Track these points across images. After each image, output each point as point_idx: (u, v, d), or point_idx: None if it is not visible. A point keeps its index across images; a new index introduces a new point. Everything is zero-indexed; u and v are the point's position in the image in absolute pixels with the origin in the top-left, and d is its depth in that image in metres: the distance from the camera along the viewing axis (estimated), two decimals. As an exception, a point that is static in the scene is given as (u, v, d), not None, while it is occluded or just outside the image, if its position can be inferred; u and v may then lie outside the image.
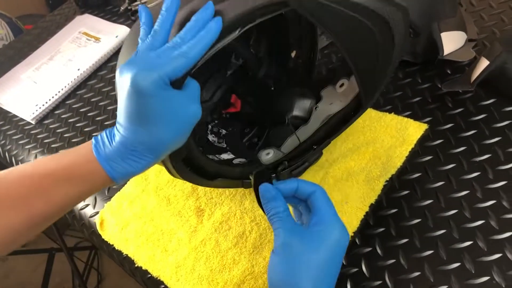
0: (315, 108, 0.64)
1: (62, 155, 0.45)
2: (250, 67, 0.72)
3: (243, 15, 0.44)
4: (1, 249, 0.44)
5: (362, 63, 0.54)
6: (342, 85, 0.65)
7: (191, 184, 0.74)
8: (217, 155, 0.66)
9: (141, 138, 0.43)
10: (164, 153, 0.45)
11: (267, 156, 0.64)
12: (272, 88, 0.73)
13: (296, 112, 0.68)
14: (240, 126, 0.73)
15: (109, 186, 0.46)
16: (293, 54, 0.72)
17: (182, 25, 0.44)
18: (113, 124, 0.89)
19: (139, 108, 0.41)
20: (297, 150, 0.64)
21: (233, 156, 0.66)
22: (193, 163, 0.55)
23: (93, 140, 0.45)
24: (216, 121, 0.72)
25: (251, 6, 0.44)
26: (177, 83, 0.43)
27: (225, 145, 0.70)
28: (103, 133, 0.45)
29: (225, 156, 0.66)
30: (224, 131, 0.71)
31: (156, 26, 0.44)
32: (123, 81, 0.41)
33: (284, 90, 0.71)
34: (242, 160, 0.65)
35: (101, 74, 1.03)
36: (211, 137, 0.70)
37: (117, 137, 0.43)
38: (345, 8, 0.47)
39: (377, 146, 0.69)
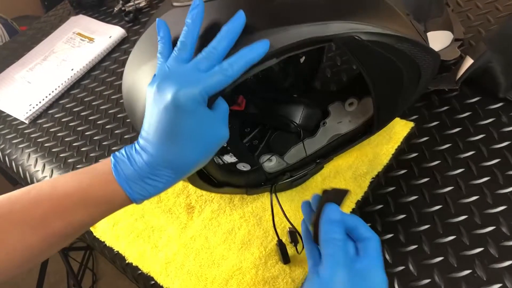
0: (323, 123, 0.66)
1: (81, 175, 0.44)
2: (277, 79, 0.72)
3: (288, 46, 0.44)
4: (16, 268, 0.43)
5: (384, 97, 0.56)
6: (351, 104, 0.67)
7: (181, 181, 0.75)
8: (220, 156, 0.66)
9: (170, 157, 0.42)
10: (186, 174, 0.44)
11: (270, 163, 0.65)
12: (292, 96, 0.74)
13: (301, 121, 0.69)
14: (240, 125, 0.73)
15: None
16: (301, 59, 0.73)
17: (206, 37, 0.44)
18: (106, 123, 0.91)
19: (174, 125, 0.41)
20: (301, 162, 0.65)
21: (236, 160, 0.67)
22: (203, 172, 0.56)
23: (112, 159, 0.44)
24: None
25: (297, 39, 0.44)
26: (209, 102, 0.42)
27: (225, 144, 0.70)
28: (123, 151, 0.44)
29: (228, 158, 0.66)
30: None
31: (182, 38, 0.43)
32: (161, 97, 0.40)
33: (292, 98, 0.72)
34: (246, 165, 0.65)
35: (95, 74, 1.04)
36: None
37: (143, 156, 0.43)
38: (384, 51, 0.49)
39: (364, 144, 0.70)
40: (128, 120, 0.90)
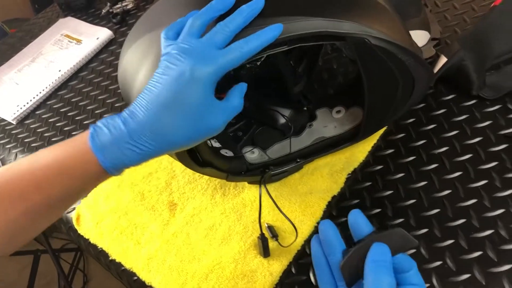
0: (310, 125, 0.68)
1: (60, 147, 0.44)
2: (287, 79, 0.74)
3: (301, 35, 0.46)
4: (3, 245, 0.43)
5: (376, 105, 0.58)
6: (338, 111, 0.69)
7: (165, 180, 0.76)
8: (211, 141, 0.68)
9: (159, 126, 0.41)
10: (165, 151, 0.43)
11: (252, 155, 0.67)
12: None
13: (289, 121, 0.70)
14: None
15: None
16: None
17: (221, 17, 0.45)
18: (93, 123, 0.92)
19: (180, 96, 0.41)
20: (283, 158, 0.67)
21: (220, 145, 0.68)
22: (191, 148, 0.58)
23: (90, 128, 0.43)
24: None
25: (311, 30, 0.46)
26: (222, 89, 0.43)
27: None
28: (103, 120, 0.43)
29: (213, 142, 0.68)
30: None
31: (199, 14, 0.44)
32: (177, 67, 0.41)
33: (284, 97, 0.74)
34: (229, 152, 0.67)
35: (82, 75, 1.05)
36: None
37: (129, 121, 0.42)
38: (387, 58, 0.51)
39: (342, 140, 0.71)
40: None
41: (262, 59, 0.76)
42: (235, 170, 0.64)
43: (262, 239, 0.64)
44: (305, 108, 0.70)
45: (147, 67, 0.53)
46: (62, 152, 0.43)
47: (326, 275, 0.40)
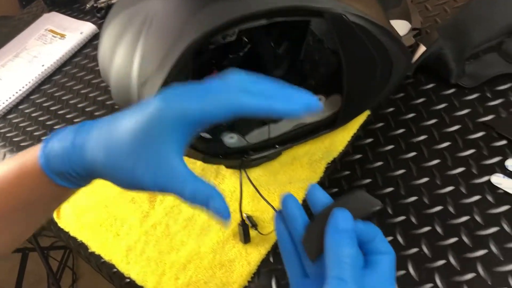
0: None
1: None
2: (267, 62, 0.73)
3: (278, 9, 0.46)
4: None
5: (355, 88, 0.58)
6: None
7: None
8: None
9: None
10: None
11: (231, 140, 0.67)
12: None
13: None
14: None
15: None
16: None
17: None
18: (75, 117, 0.92)
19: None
20: (261, 144, 0.67)
21: None
22: None
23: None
24: None
25: (290, 4, 0.46)
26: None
27: None
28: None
29: None
30: None
31: None
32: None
33: None
34: (206, 134, 0.66)
35: (66, 70, 1.04)
36: None
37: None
38: (365, 37, 0.50)
39: (322, 130, 0.71)
40: (96, 113, 0.90)
41: (246, 49, 0.76)
42: (212, 152, 0.63)
43: (243, 225, 0.63)
44: None
45: (124, 45, 0.53)
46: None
47: (290, 252, 0.39)
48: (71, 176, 0.39)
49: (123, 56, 0.61)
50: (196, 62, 0.68)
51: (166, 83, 0.56)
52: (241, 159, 0.64)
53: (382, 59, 0.55)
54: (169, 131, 0.35)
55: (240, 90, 0.35)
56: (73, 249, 0.74)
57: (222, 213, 0.34)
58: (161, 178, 0.34)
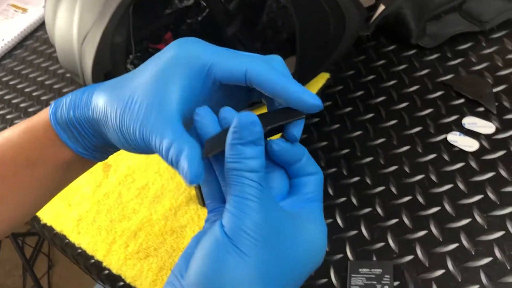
0: None
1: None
2: (218, 19, 0.70)
3: None
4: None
5: (309, 45, 0.56)
6: None
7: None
8: None
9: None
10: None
11: None
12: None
13: None
14: None
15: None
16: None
17: None
18: (34, 91, 0.89)
19: None
20: None
21: None
22: None
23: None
24: (138, 54, 0.70)
25: None
26: None
27: None
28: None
29: None
30: None
31: None
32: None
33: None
34: None
35: (27, 44, 1.01)
36: (130, 67, 0.69)
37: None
38: None
39: (280, 95, 0.69)
40: (64, 90, 0.88)
41: (204, 14, 0.74)
42: None
43: (200, 187, 0.61)
44: None
45: (64, 4, 0.51)
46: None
47: (212, 180, 0.34)
48: (75, 131, 0.36)
49: (64, 15, 0.58)
50: (142, 19, 0.66)
51: (104, 37, 0.53)
52: None
53: (334, 14, 0.53)
54: (178, 72, 0.32)
55: (262, 60, 0.32)
56: (28, 222, 0.72)
57: (187, 177, 0.29)
58: (148, 123, 0.31)
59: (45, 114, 0.38)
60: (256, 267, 0.28)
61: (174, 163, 0.30)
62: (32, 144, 0.38)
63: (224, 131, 0.31)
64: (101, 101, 0.34)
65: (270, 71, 0.31)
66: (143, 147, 0.32)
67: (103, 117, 0.34)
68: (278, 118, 0.32)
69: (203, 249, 0.29)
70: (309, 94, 0.31)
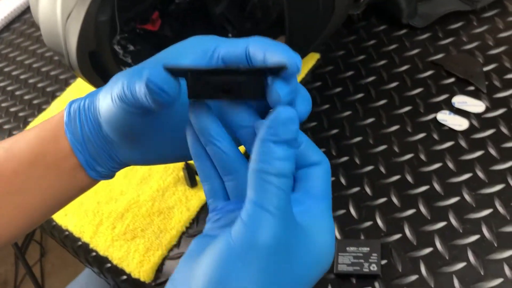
0: None
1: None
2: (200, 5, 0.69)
3: None
4: None
5: (298, 22, 0.55)
6: None
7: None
8: (122, 67, 0.64)
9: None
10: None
11: None
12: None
13: None
14: (150, 48, 0.70)
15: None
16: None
17: None
18: (21, 74, 0.87)
19: None
20: None
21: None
22: (99, 63, 0.54)
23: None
24: (126, 34, 0.68)
25: None
26: None
27: (130, 61, 0.68)
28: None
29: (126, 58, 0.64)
30: (131, 47, 0.69)
31: None
32: None
33: (210, 28, 0.70)
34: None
35: (14, 27, 1.00)
36: (116, 48, 0.68)
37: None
38: None
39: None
40: (43, 69, 0.86)
41: None
42: None
43: (187, 168, 0.60)
44: (229, 35, 0.66)
45: None
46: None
47: (206, 164, 0.31)
48: (84, 137, 0.34)
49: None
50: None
51: (88, 15, 0.52)
52: None
53: None
54: (183, 55, 0.31)
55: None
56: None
57: (145, 79, 0.27)
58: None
59: (62, 116, 0.35)
60: (261, 283, 0.26)
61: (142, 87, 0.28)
62: (42, 142, 0.35)
63: (215, 71, 0.27)
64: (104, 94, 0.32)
65: (270, 41, 0.29)
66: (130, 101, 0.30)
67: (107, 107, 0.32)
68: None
69: (210, 258, 0.26)
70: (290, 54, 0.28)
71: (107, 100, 0.32)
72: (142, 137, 0.34)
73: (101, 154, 0.35)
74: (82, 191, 0.40)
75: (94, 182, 0.39)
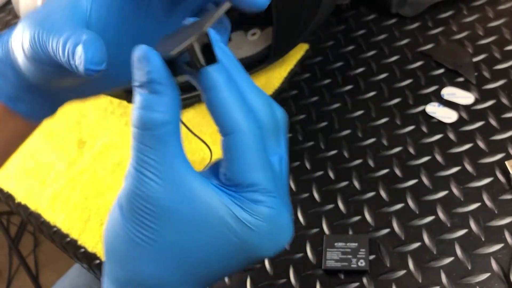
0: None
1: None
2: None
3: None
4: None
5: (285, 14, 0.54)
6: (254, 34, 0.65)
7: (75, 118, 0.72)
8: None
9: None
10: None
11: None
12: None
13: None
14: None
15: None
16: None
17: None
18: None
19: None
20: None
21: None
22: None
23: None
24: None
25: None
26: None
27: None
28: None
29: None
30: None
31: None
32: None
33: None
34: None
35: (9, 8, 0.98)
36: None
37: None
38: None
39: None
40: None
41: None
42: None
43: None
44: None
45: None
46: None
47: None
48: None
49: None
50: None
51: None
52: None
53: None
54: None
55: None
56: (3, 202, 0.71)
57: (82, 61, 0.25)
58: (45, 26, 0.28)
59: None
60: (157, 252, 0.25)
61: (70, 56, 0.26)
62: None
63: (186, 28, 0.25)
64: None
65: None
66: (44, 60, 0.29)
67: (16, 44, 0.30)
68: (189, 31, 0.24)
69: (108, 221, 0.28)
70: None
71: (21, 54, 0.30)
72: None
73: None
74: (19, 134, 0.38)
75: (29, 123, 0.37)
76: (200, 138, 0.60)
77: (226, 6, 0.25)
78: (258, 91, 0.27)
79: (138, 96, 0.25)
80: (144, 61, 0.23)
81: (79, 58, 0.26)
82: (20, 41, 0.30)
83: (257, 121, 0.26)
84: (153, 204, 0.25)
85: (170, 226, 0.25)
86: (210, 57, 0.23)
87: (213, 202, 0.25)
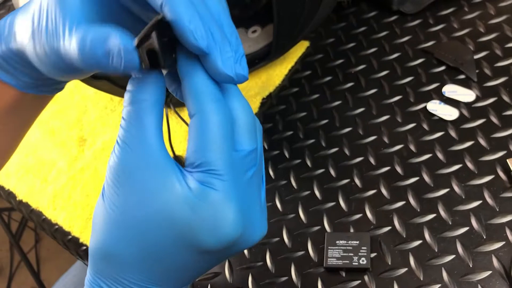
0: None
1: None
2: None
3: None
4: None
5: (286, 11, 0.54)
6: (254, 31, 0.65)
7: (75, 115, 0.71)
8: None
9: None
10: None
11: None
12: None
13: None
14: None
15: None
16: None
17: None
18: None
19: None
20: None
21: None
22: None
23: None
24: None
25: None
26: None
27: None
28: None
29: None
30: None
31: None
32: None
33: None
34: None
35: (9, 5, 0.98)
36: None
37: None
38: None
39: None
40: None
41: None
42: None
43: (176, 159, 0.60)
44: None
45: None
46: None
47: None
48: (7, 65, 0.32)
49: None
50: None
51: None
52: (167, 95, 0.60)
53: None
54: None
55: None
56: (5, 199, 0.71)
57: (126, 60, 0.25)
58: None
59: None
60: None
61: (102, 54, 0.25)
62: None
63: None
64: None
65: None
66: (54, 60, 0.28)
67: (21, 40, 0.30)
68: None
69: None
70: (228, 66, 0.26)
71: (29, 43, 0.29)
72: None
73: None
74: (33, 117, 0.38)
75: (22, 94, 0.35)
76: (182, 118, 0.60)
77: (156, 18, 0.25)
78: (242, 97, 0.29)
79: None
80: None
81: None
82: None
83: (227, 113, 0.27)
84: (120, 171, 0.27)
85: (129, 193, 0.27)
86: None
87: (164, 176, 0.26)
